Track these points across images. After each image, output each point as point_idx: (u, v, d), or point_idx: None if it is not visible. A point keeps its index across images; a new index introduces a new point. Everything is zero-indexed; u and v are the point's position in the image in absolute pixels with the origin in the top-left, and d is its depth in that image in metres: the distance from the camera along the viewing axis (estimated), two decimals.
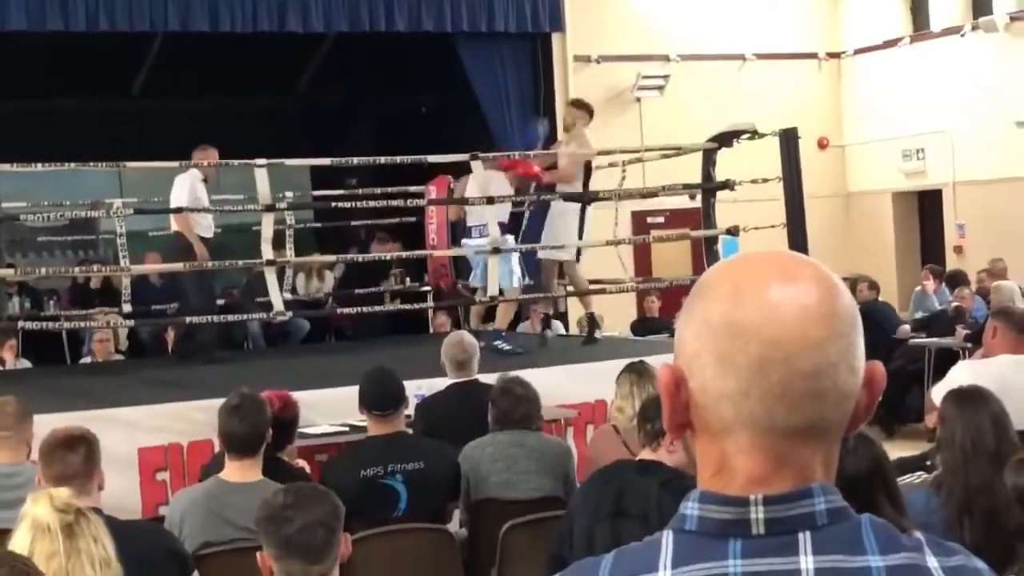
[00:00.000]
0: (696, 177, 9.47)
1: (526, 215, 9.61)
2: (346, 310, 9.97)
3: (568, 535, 3.83)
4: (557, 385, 6.91)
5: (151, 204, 10.44)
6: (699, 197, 9.60)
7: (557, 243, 8.88)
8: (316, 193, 12.73)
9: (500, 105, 13.00)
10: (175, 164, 8.50)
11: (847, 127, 15.29)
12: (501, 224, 8.55)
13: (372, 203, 10.62)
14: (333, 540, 3.01)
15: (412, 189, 10.58)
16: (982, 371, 4.96)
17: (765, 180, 8.95)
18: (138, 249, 10.55)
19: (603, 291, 9.55)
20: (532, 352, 8.57)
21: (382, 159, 9.22)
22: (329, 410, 6.32)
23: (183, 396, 6.73)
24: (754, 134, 9.04)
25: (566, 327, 12.05)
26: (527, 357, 8.11)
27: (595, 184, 9.38)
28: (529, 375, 5.78)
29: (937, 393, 4.32)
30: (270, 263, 8.12)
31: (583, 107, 9.29)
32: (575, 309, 11.23)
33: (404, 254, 10.61)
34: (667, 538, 1.16)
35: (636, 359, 5.40)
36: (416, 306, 10.70)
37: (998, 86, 13.39)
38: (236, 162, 8.45)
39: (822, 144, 15.00)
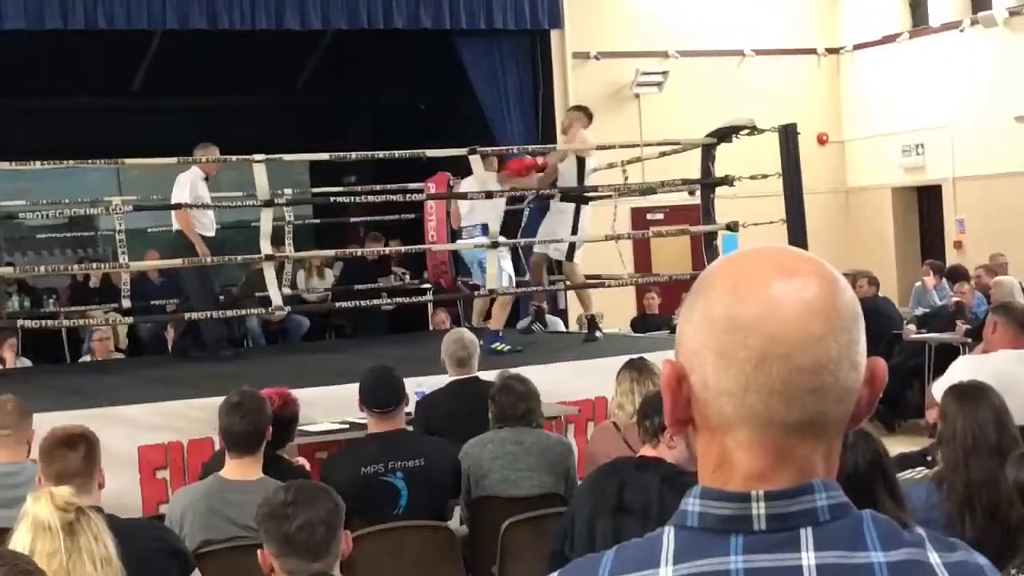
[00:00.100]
0: (695, 173, 9.47)
1: (526, 213, 9.64)
2: (344, 304, 9.95)
3: (569, 532, 3.83)
4: (557, 382, 6.92)
5: (150, 201, 10.44)
6: (698, 193, 9.59)
7: (548, 242, 8.93)
8: (315, 190, 12.74)
9: (499, 102, 13.00)
10: (173, 161, 8.49)
11: (846, 122, 15.29)
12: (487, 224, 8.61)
13: (371, 199, 10.62)
14: (334, 538, 3.01)
15: (412, 186, 10.57)
16: (982, 366, 4.97)
17: (764, 176, 8.95)
18: (137, 247, 10.56)
19: (601, 284, 9.55)
20: (529, 349, 8.58)
21: (380, 154, 9.23)
22: (329, 408, 6.32)
23: (183, 394, 6.73)
24: (753, 130, 9.03)
25: (566, 324, 12.06)
26: (527, 355, 8.12)
27: (594, 182, 9.38)
28: (529, 372, 5.78)
29: (938, 389, 4.33)
30: (268, 258, 8.13)
31: (580, 110, 9.39)
32: (575, 307, 11.23)
33: (403, 248, 10.61)
34: (668, 534, 1.16)
35: (636, 356, 5.40)
36: (416, 299, 10.70)
37: (997, 81, 13.39)
38: (235, 157, 8.47)
39: (821, 140, 15.01)
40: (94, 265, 11.21)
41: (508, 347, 8.44)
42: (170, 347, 9.90)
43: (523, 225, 9.70)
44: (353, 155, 8.94)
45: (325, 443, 6.07)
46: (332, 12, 11.99)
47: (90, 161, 8.47)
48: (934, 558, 1.14)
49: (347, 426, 6.13)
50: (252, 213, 9.19)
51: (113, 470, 4.20)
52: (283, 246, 10.12)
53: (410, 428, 5.40)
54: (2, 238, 9.89)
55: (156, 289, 11.44)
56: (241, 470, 4.36)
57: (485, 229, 8.69)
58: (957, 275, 11.79)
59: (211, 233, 8.87)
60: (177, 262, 8.52)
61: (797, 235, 8.88)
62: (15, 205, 11.03)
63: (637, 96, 14.05)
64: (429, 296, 10.98)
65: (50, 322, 9.71)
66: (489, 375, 5.95)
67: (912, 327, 11.14)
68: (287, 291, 10.38)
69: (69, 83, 13.32)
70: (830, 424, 1.16)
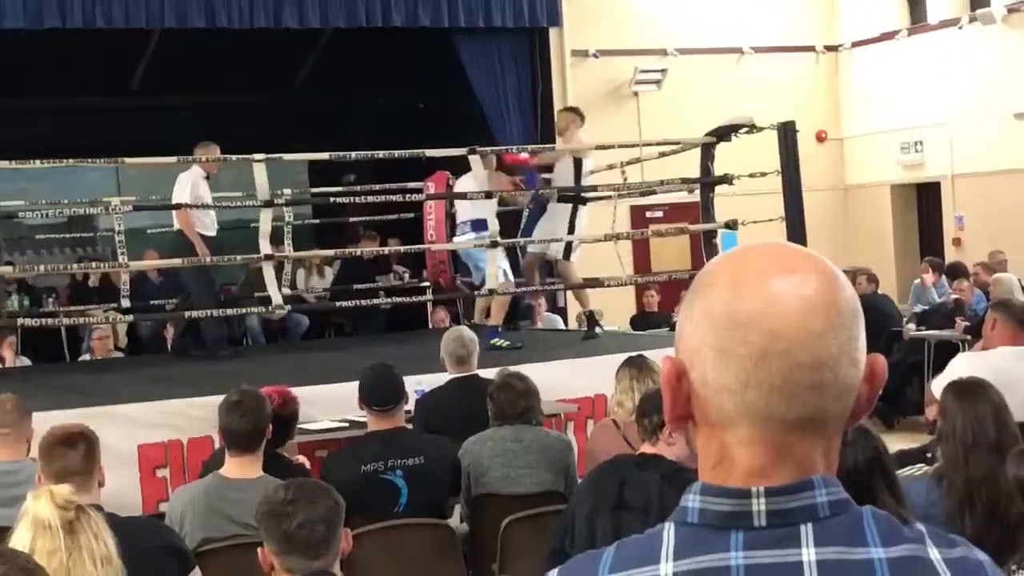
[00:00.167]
0: (694, 171, 9.47)
1: (525, 213, 9.65)
2: (344, 304, 9.95)
3: (569, 529, 3.83)
4: (557, 380, 6.92)
5: (149, 201, 10.44)
6: (698, 191, 9.59)
7: (545, 241, 8.93)
8: (315, 190, 12.73)
9: (498, 101, 12.99)
10: (173, 160, 8.49)
11: (845, 120, 15.29)
12: (481, 221, 8.61)
13: (370, 199, 10.61)
14: (334, 536, 3.01)
15: (411, 185, 10.57)
16: (982, 363, 4.97)
17: (763, 174, 8.94)
18: (137, 246, 10.56)
19: (599, 285, 9.55)
20: (529, 346, 8.59)
21: (380, 153, 9.23)
22: (329, 406, 6.32)
23: (183, 393, 6.73)
24: (752, 128, 9.03)
25: (565, 322, 12.07)
26: (527, 352, 8.12)
27: (593, 182, 9.38)
28: (529, 370, 5.78)
29: (937, 385, 4.33)
30: (268, 258, 8.13)
31: (574, 111, 9.44)
32: (574, 304, 11.24)
33: (402, 248, 10.61)
34: (669, 530, 1.16)
35: (636, 353, 5.40)
36: (416, 299, 10.71)
37: (996, 78, 13.39)
38: (234, 157, 8.46)
39: (820, 137, 15.01)
40: (93, 265, 11.22)
41: (508, 343, 8.44)
42: (169, 346, 9.90)
43: (522, 226, 9.71)
44: (353, 155, 8.94)
45: (325, 441, 6.07)
46: (330, 10, 11.98)
47: (89, 160, 8.45)
48: (934, 554, 1.14)
49: (347, 424, 6.14)
50: (251, 213, 9.19)
51: (113, 468, 4.20)
52: (282, 245, 10.12)
53: (410, 426, 5.40)
54: (1, 237, 9.90)
55: (155, 289, 11.44)
56: (241, 468, 4.36)
57: (475, 225, 8.72)
58: (956, 272, 11.78)
59: (212, 233, 8.86)
60: (176, 262, 8.52)
61: (796, 233, 8.87)
62: (14, 204, 11.04)
63: (636, 94, 14.05)
64: (429, 296, 10.97)
65: (50, 321, 9.71)
66: (489, 373, 5.95)
67: (911, 324, 11.15)
68: (287, 291, 10.38)
69: (68, 82, 13.31)
70: (830, 420, 1.16)
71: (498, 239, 8.50)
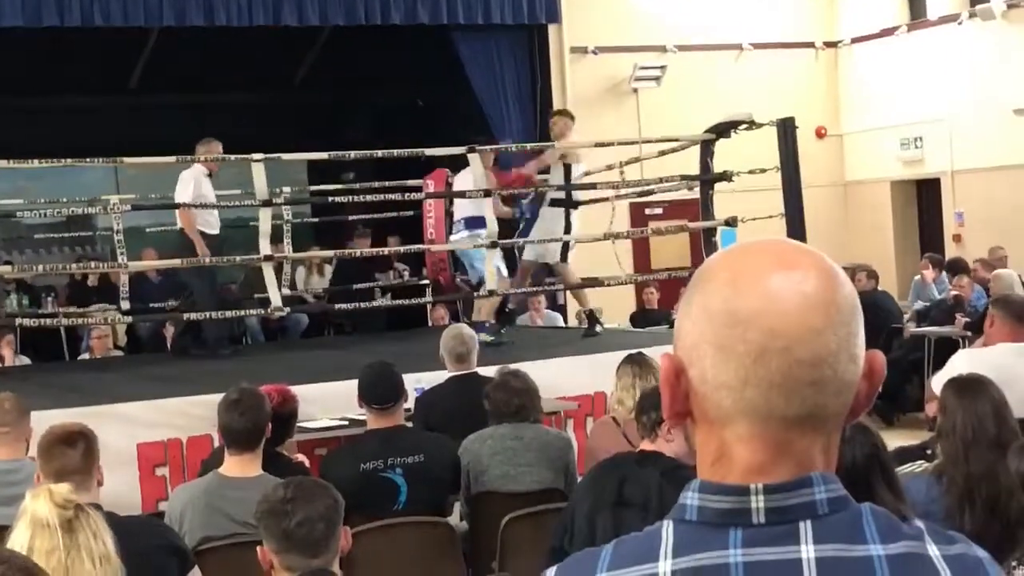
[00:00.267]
0: (694, 168, 9.46)
1: (526, 215, 9.63)
2: (343, 306, 9.93)
3: (569, 527, 3.83)
4: (557, 377, 6.92)
5: (148, 201, 10.43)
6: (697, 188, 9.58)
7: (539, 246, 8.94)
8: (313, 188, 12.72)
9: (497, 97, 12.99)
10: (171, 159, 8.48)
11: (845, 116, 15.29)
12: (475, 219, 8.59)
13: (370, 197, 10.60)
14: (333, 534, 3.01)
15: (410, 183, 10.56)
16: (982, 360, 4.96)
17: (763, 170, 8.93)
18: (136, 246, 10.55)
19: (599, 284, 9.55)
20: (516, 342, 8.58)
21: (379, 152, 9.22)
22: (328, 404, 6.32)
23: (182, 391, 6.73)
24: (751, 124, 9.02)
25: (565, 319, 12.07)
26: (526, 350, 8.12)
27: (592, 181, 9.38)
28: (529, 367, 5.79)
29: (937, 382, 4.32)
30: (267, 258, 8.11)
31: (565, 114, 9.48)
32: (573, 303, 11.23)
33: (401, 248, 10.60)
34: (667, 528, 1.15)
35: (635, 351, 5.40)
36: (415, 300, 10.70)
37: (996, 74, 13.38)
38: (233, 156, 8.45)
39: (820, 133, 15.00)
40: (92, 264, 11.20)
41: (492, 338, 8.41)
42: (169, 345, 9.89)
43: (520, 228, 9.68)
44: (352, 154, 8.94)
45: (324, 439, 6.07)
46: (329, 8, 11.99)
47: (88, 159, 8.44)
48: (933, 551, 1.14)
49: (346, 422, 6.14)
50: (250, 211, 9.17)
51: (112, 467, 4.20)
52: (281, 244, 10.11)
53: (409, 424, 5.40)
54: (0, 237, 9.90)
55: (155, 288, 11.43)
56: (240, 467, 4.36)
57: (469, 223, 8.71)
58: (956, 268, 11.78)
59: (215, 231, 8.85)
60: (176, 262, 8.51)
61: (796, 229, 8.87)
62: (13, 204, 11.03)
63: (635, 91, 14.04)
64: (428, 296, 10.97)
65: (49, 320, 9.71)
66: (488, 371, 5.95)
67: (912, 321, 11.14)
68: (287, 291, 10.37)
69: (66, 81, 13.31)
70: (829, 417, 1.15)
71: (496, 239, 8.49)
